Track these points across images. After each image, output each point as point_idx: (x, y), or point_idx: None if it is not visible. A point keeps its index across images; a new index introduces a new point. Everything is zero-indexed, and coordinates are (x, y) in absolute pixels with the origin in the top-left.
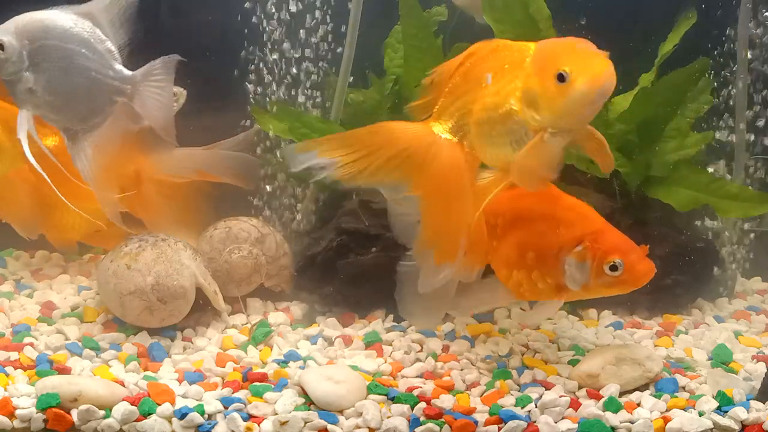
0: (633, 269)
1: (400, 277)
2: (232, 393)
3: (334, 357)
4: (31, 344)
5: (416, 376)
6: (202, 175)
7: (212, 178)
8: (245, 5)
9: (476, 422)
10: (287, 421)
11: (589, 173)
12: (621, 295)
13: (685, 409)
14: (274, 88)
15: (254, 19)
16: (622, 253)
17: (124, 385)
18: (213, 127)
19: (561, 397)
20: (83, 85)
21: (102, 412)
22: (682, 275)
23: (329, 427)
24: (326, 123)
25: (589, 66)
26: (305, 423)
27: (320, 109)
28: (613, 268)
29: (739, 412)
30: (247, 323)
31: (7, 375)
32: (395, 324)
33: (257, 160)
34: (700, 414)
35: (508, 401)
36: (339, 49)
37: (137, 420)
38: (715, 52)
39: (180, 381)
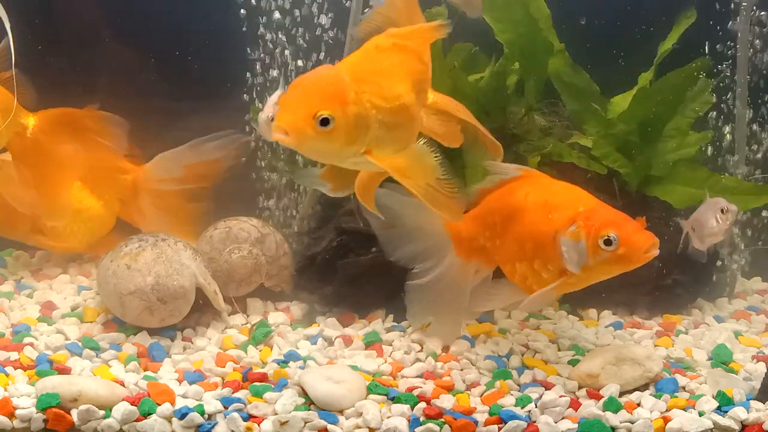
0: (630, 241)
1: (408, 296)
2: (232, 393)
3: (334, 357)
4: (31, 344)
5: (416, 376)
6: (194, 171)
7: (204, 179)
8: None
9: (476, 422)
10: (287, 421)
11: (589, 173)
12: (621, 294)
13: (685, 409)
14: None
15: (253, 17)
16: (616, 226)
17: (124, 385)
18: (213, 127)
19: (561, 397)
20: None
21: (102, 412)
22: (682, 275)
23: (329, 427)
24: None
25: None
26: (305, 423)
27: None
28: (608, 242)
29: (739, 412)
30: (247, 323)
31: (7, 375)
32: (395, 324)
33: (245, 136)
34: (700, 414)
35: (508, 401)
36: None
37: (137, 420)
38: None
39: (180, 381)
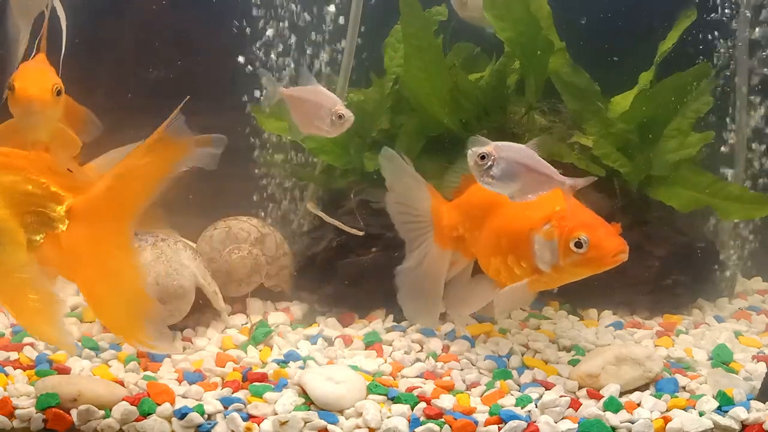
0: (600, 246)
1: (397, 280)
2: (232, 393)
3: (334, 357)
4: (31, 344)
5: (416, 376)
6: None
7: None
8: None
9: (476, 422)
10: (287, 421)
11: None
12: (621, 295)
13: (685, 409)
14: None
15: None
16: (588, 229)
17: (123, 385)
18: (212, 127)
19: (561, 397)
20: None
21: (101, 412)
22: (682, 275)
23: (329, 427)
24: None
25: None
26: (305, 423)
27: None
28: (578, 244)
29: (740, 412)
30: (247, 323)
31: (7, 375)
32: (395, 324)
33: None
34: (701, 414)
35: (508, 401)
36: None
37: (137, 420)
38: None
39: (180, 381)
